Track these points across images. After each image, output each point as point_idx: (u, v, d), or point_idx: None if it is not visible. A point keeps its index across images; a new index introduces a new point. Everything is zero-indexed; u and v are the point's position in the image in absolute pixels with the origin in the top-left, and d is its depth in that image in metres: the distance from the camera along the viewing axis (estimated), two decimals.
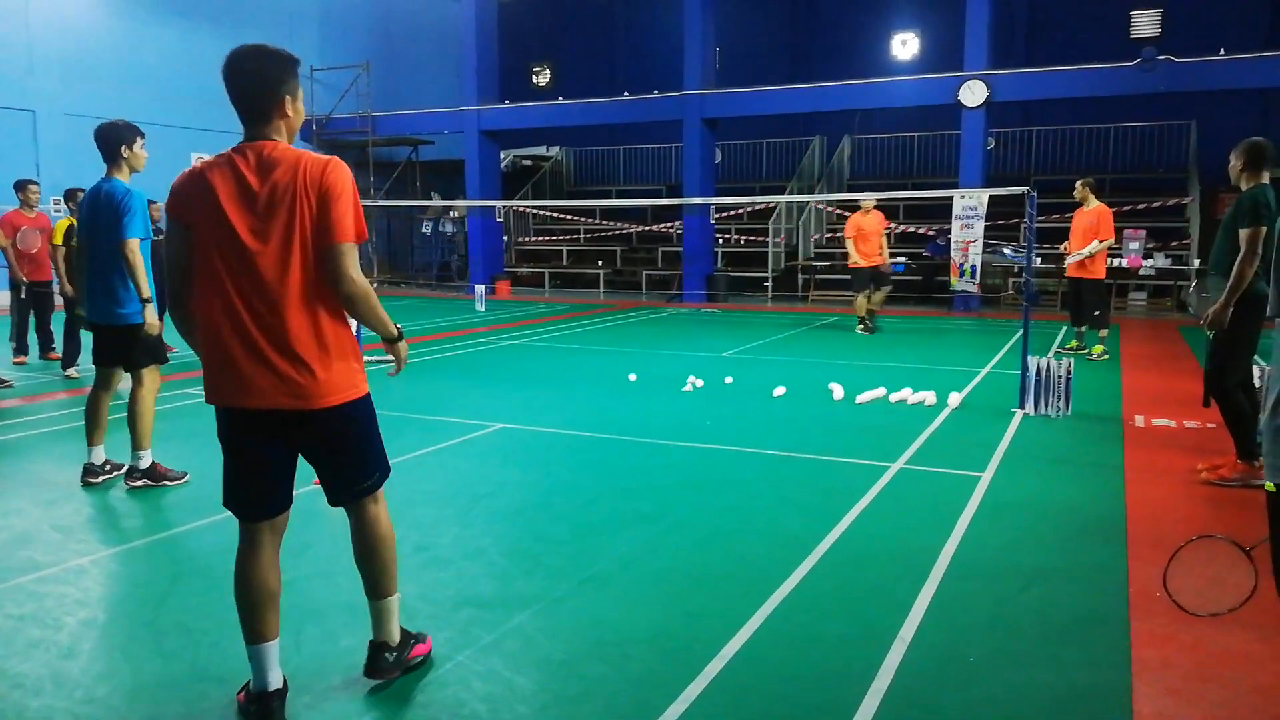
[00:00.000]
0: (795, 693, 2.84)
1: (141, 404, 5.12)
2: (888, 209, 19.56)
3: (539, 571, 3.83)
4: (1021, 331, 7.61)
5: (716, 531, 4.37)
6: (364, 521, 2.87)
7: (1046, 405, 7.06)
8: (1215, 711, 2.74)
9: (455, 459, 5.79)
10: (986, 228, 16.18)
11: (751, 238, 20.17)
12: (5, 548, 4.12)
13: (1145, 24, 19.77)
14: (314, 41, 22.73)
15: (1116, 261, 15.42)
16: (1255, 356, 5.33)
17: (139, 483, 5.10)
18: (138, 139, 5.03)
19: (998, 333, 12.64)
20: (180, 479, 5.17)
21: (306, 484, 3.05)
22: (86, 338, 8.96)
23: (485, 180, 20.76)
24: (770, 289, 18.72)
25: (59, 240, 8.73)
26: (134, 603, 3.59)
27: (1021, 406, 7.17)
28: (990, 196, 15.80)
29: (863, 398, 7.57)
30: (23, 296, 9.51)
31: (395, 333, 2.93)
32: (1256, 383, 5.45)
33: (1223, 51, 14.98)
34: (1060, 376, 7.03)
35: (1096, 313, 10.16)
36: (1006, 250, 16.47)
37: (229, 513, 2.74)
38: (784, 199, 19.16)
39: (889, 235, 13.19)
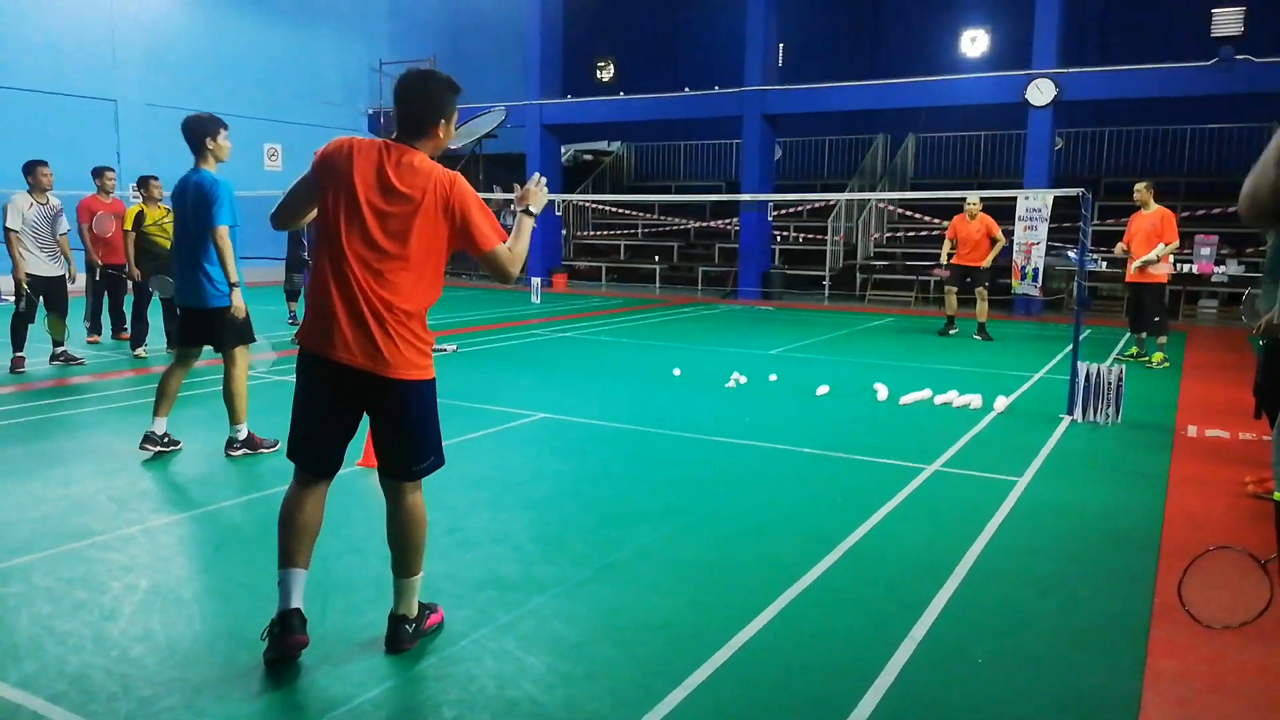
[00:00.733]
0: (798, 684, 2.88)
1: (235, 383, 5.41)
2: (950, 209, 19.29)
3: (561, 557, 3.92)
4: (1077, 336, 7.45)
5: (741, 526, 4.41)
6: (401, 505, 3.04)
7: (1096, 412, 6.92)
8: None
9: (495, 446, 5.91)
10: (1051, 230, 15.84)
11: (810, 235, 20.03)
12: (63, 515, 4.36)
13: (1227, 22, 19.05)
14: (384, 35, 23.22)
15: (1186, 267, 14.96)
16: None
17: (239, 452, 5.46)
18: (221, 130, 5.31)
19: (1057, 338, 12.38)
20: (274, 446, 5.49)
21: (350, 464, 3.18)
22: (154, 319, 9.41)
23: (546, 174, 20.80)
24: (827, 288, 18.58)
25: (129, 226, 9.11)
26: (177, 570, 3.77)
27: (1070, 412, 7.03)
28: (1056, 198, 15.52)
29: (906, 399, 7.51)
30: (97, 279, 9.95)
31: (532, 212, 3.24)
32: None
33: None
34: (1111, 383, 6.88)
35: (1157, 319, 9.89)
36: (1071, 253, 16.08)
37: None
38: (844, 197, 18.99)
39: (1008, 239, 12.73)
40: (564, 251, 22.58)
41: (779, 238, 20.38)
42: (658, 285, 20.75)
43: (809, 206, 20.20)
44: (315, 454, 2.98)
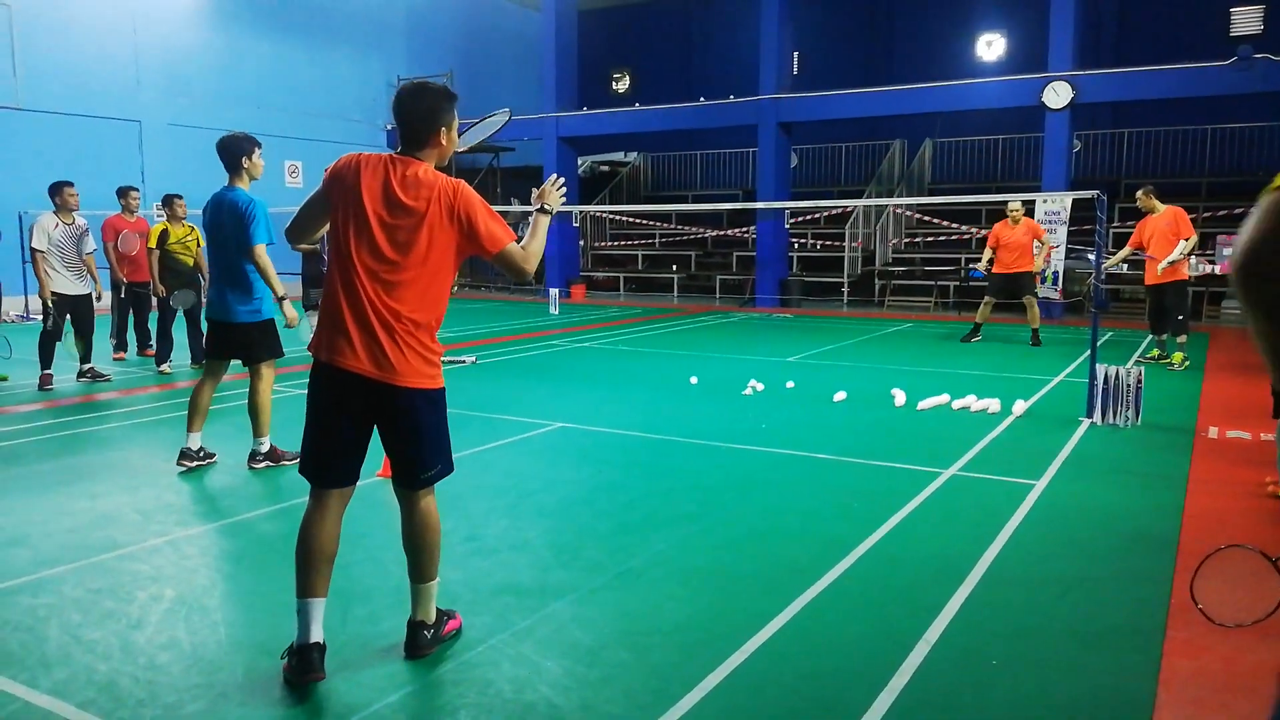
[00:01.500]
0: (810, 688, 2.90)
1: (260, 396, 5.52)
2: (969, 213, 19.26)
3: (577, 564, 3.96)
4: (1095, 338, 7.42)
5: (755, 532, 4.44)
6: (415, 511, 3.09)
7: (1115, 414, 6.88)
8: None
9: (512, 456, 5.97)
10: (1071, 233, 15.77)
11: (828, 242, 20.02)
12: (90, 527, 4.45)
13: (1247, 21, 18.97)
14: (401, 52, 23.48)
15: (1209, 268, 14.82)
16: None
17: (261, 464, 5.53)
18: (256, 150, 5.45)
19: (1077, 341, 12.30)
20: (296, 459, 5.51)
21: (369, 476, 3.24)
22: (179, 336, 9.55)
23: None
24: (846, 294, 18.55)
25: (153, 244, 9.27)
26: (201, 580, 3.85)
27: (1089, 415, 7.00)
28: (1075, 200, 15.43)
29: (924, 404, 7.50)
30: (123, 296, 10.12)
31: (547, 209, 3.29)
32: None
33: None
34: (1130, 385, 6.85)
35: (1180, 317, 9.80)
36: (1090, 256, 15.97)
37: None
38: (861, 203, 18.98)
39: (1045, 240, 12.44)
40: (582, 262, 22.69)
41: (796, 245, 20.38)
42: (675, 294, 20.80)
43: (826, 213, 20.20)
44: (327, 464, 3.01)
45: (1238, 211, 16.51)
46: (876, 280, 18.92)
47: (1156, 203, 9.90)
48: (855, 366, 10.00)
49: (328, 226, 3.12)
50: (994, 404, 7.39)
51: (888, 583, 3.77)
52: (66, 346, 8.52)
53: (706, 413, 7.37)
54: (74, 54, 17.10)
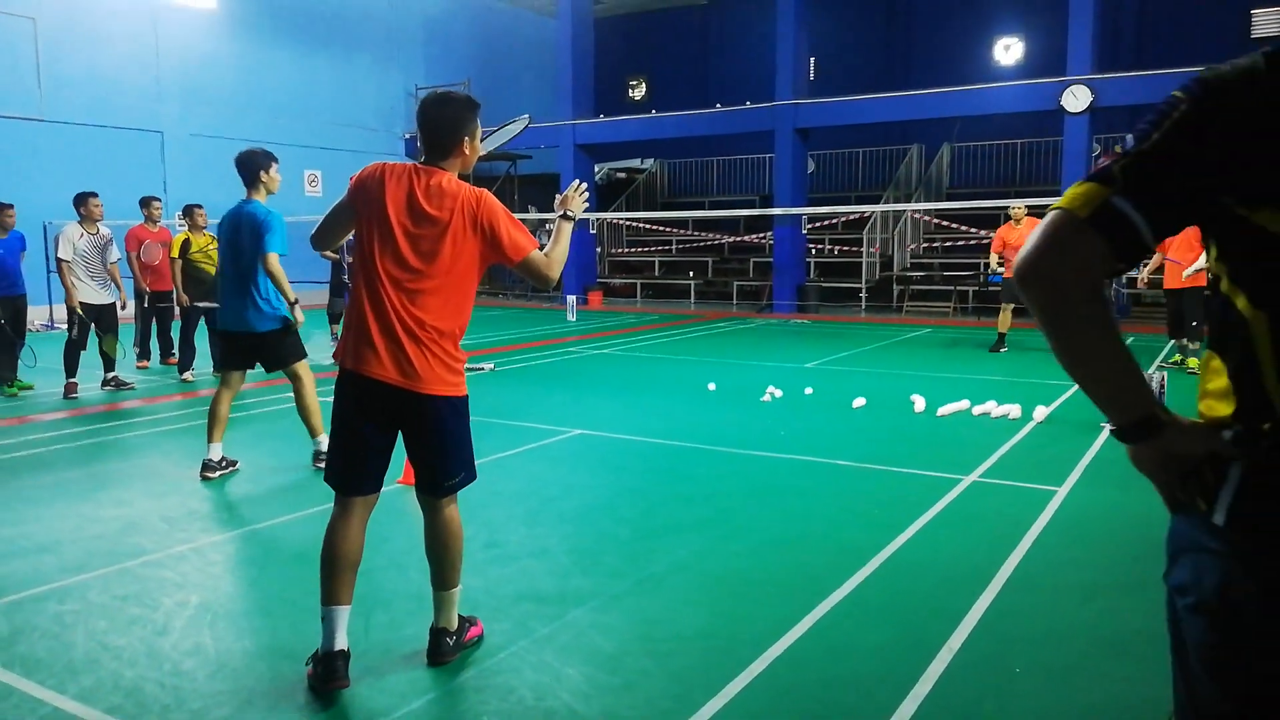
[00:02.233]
0: (833, 695, 2.90)
1: (306, 398, 5.61)
2: (987, 218, 19.14)
3: (597, 571, 3.97)
4: None
5: (775, 539, 4.43)
6: (438, 519, 3.12)
7: None
8: None
9: (531, 463, 5.99)
10: None
11: (845, 248, 19.97)
12: (117, 534, 4.50)
13: (1267, 22, 18.81)
14: (419, 62, 23.64)
15: None
16: None
17: (323, 463, 5.55)
18: (273, 164, 5.54)
19: None
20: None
21: (390, 483, 3.26)
22: (201, 344, 9.65)
23: None
24: (864, 300, 18.50)
25: (175, 253, 9.38)
26: (226, 586, 3.89)
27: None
28: None
29: (944, 410, 7.47)
30: (145, 305, 10.23)
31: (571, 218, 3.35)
32: None
33: None
34: (1152, 390, 6.79)
35: (1195, 323, 9.72)
36: None
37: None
38: (879, 208, 18.93)
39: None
40: (599, 269, 22.74)
41: (814, 251, 20.33)
42: (693, 301, 20.80)
43: (843, 219, 20.15)
44: (353, 472, 3.03)
45: None
46: (895, 285, 18.84)
47: None
48: (874, 372, 9.97)
49: (351, 233, 3.17)
50: (1015, 409, 7.34)
51: (910, 589, 3.76)
52: (105, 346, 8.62)
53: (725, 419, 7.36)
54: (97, 66, 17.32)
